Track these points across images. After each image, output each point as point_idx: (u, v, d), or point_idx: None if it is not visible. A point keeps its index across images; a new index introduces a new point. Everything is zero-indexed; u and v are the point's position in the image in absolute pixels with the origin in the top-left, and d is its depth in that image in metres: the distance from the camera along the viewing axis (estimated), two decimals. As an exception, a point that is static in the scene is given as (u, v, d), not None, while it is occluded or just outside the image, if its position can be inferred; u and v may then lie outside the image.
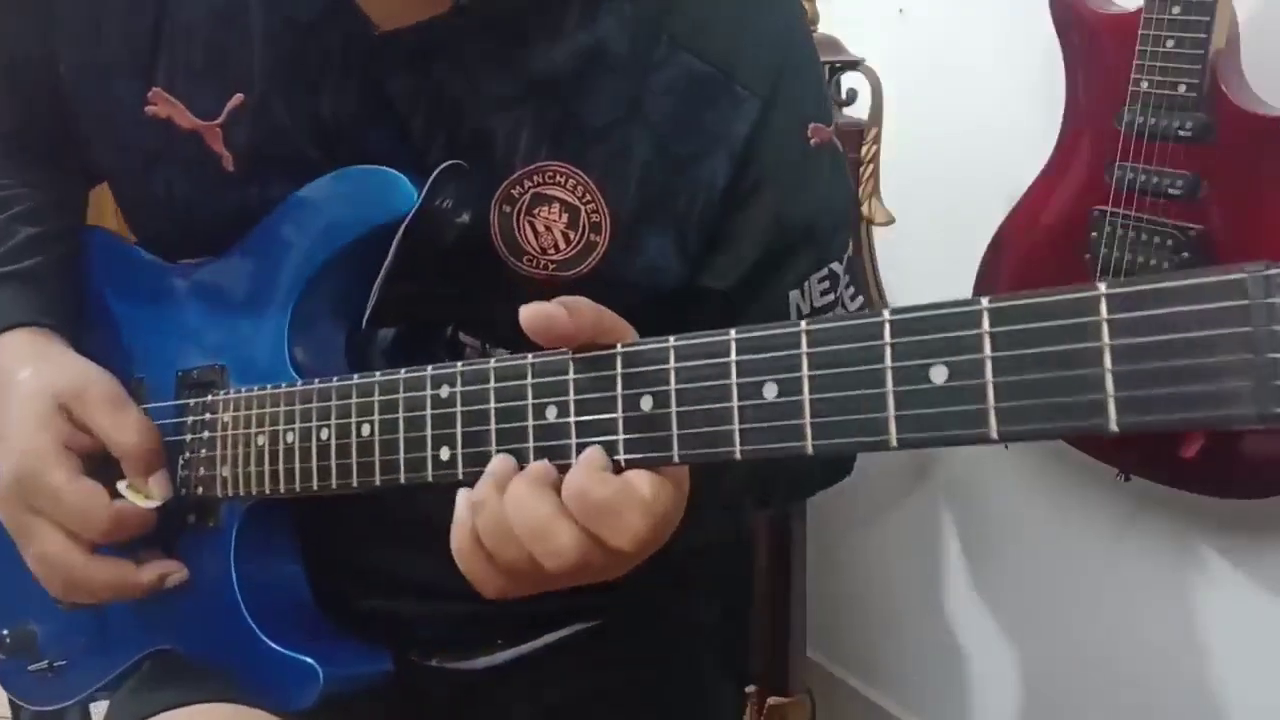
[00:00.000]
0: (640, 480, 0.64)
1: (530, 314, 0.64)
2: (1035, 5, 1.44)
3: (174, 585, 0.90)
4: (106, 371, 0.92)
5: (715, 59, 0.85)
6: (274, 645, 0.87)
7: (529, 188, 0.85)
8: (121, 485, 0.89)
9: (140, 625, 0.95)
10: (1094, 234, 1.40)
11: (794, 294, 0.89)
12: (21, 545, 0.89)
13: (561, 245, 0.85)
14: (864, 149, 1.52)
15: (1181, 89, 1.30)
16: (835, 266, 0.92)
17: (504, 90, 0.85)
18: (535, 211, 0.85)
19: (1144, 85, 1.32)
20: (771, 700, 1.61)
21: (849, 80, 1.58)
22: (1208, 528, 1.50)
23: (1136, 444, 1.43)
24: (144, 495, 0.88)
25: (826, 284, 0.91)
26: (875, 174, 1.53)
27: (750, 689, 1.62)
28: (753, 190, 0.86)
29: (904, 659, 1.98)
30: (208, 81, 0.90)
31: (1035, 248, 1.48)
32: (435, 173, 0.83)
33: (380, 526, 0.94)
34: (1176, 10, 1.28)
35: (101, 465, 0.89)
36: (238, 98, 0.89)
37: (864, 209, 1.51)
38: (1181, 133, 1.30)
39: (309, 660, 0.86)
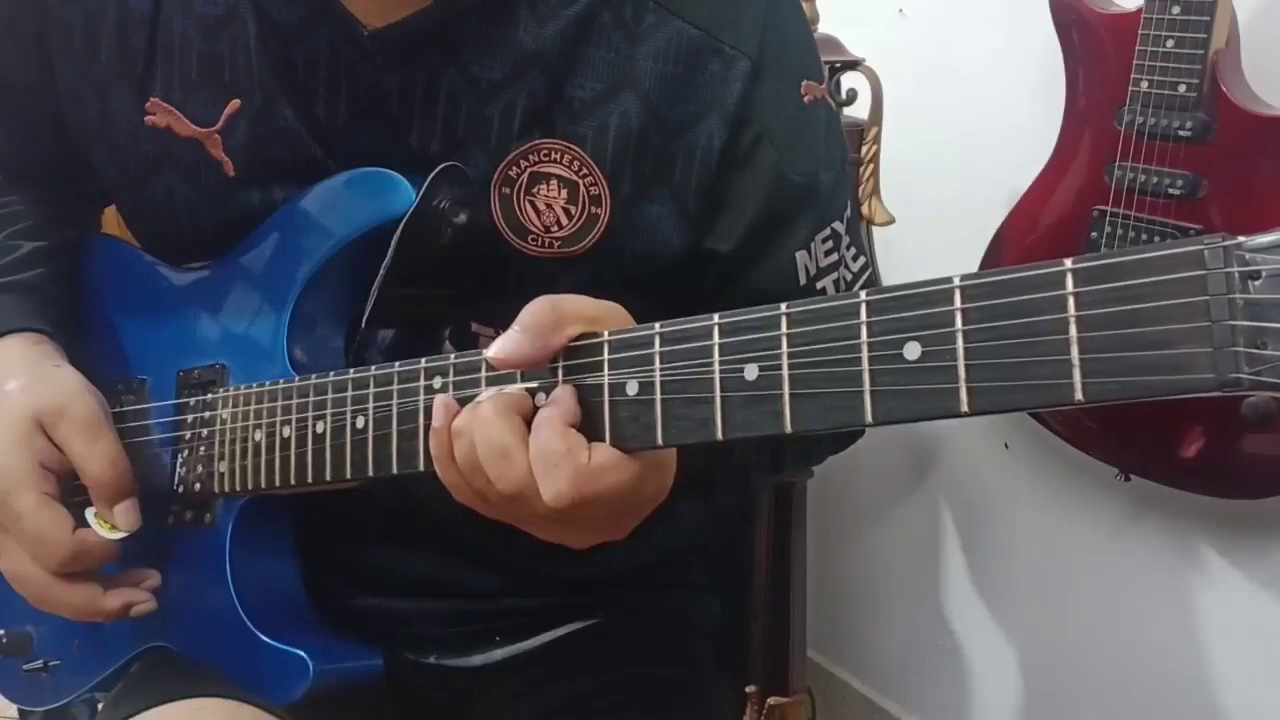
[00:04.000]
0: (594, 449, 0.65)
1: (494, 356, 0.66)
2: (1035, 5, 1.45)
3: (139, 615, 0.91)
4: (92, 390, 0.92)
5: (702, 22, 0.85)
6: (266, 638, 0.88)
7: (525, 167, 0.86)
8: (89, 513, 0.89)
9: (134, 624, 0.95)
10: (1094, 234, 1.40)
11: (800, 254, 0.89)
12: None
13: (564, 221, 0.86)
14: (864, 149, 1.52)
15: (1181, 89, 1.30)
16: (837, 225, 0.92)
17: (495, 73, 0.85)
18: (534, 190, 0.86)
19: (1144, 85, 1.32)
20: (771, 700, 1.61)
21: (849, 80, 1.57)
22: (1208, 528, 1.49)
23: (1136, 444, 1.43)
24: (109, 526, 0.89)
25: (830, 244, 0.91)
26: (875, 174, 1.53)
27: (750, 689, 1.62)
28: (751, 150, 0.87)
29: (904, 659, 1.98)
30: (204, 90, 0.91)
31: (1035, 248, 1.48)
32: (433, 174, 0.83)
33: (376, 524, 0.95)
34: (1176, 10, 1.28)
35: (80, 485, 0.90)
36: (234, 103, 0.89)
37: (864, 209, 1.51)
38: (1181, 133, 1.30)
39: (299, 653, 0.86)
